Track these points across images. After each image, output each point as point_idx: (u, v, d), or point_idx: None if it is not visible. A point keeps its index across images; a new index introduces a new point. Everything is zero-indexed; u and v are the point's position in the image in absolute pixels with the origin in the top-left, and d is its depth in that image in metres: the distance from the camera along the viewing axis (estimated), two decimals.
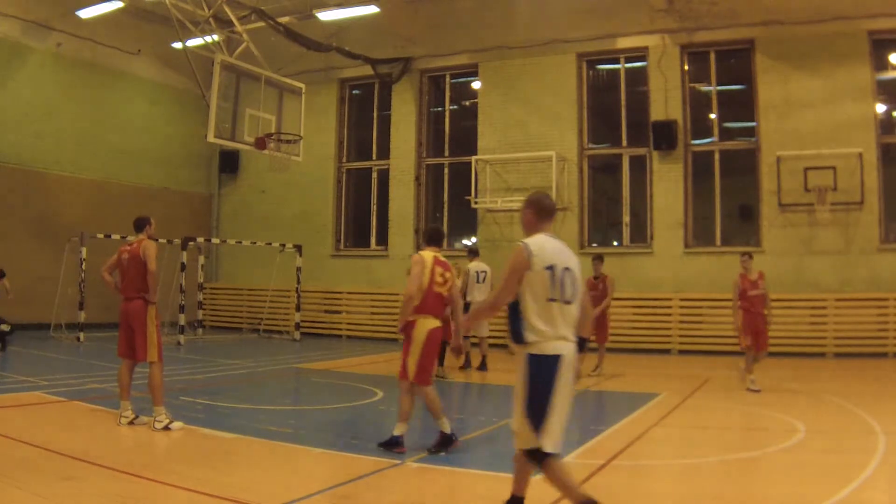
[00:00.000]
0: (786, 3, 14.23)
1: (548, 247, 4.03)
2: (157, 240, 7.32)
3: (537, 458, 3.89)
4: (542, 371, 3.88)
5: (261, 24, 14.89)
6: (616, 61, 16.49)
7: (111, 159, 17.90)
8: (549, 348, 3.90)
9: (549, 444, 3.85)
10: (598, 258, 11.31)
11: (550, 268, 3.95)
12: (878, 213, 13.87)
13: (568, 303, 4.00)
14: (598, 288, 10.97)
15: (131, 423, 6.77)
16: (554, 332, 3.92)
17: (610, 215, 17.10)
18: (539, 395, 3.87)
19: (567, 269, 4.03)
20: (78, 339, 14.22)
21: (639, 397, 9.14)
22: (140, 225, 7.10)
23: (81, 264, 14.49)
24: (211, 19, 13.64)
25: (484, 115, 17.18)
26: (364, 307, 17.85)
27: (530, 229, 4.19)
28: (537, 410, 3.86)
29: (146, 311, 6.83)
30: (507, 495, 4.21)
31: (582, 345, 4.11)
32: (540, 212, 4.21)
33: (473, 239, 17.57)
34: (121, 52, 17.73)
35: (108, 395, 8.24)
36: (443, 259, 6.36)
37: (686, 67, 15.66)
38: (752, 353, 9.61)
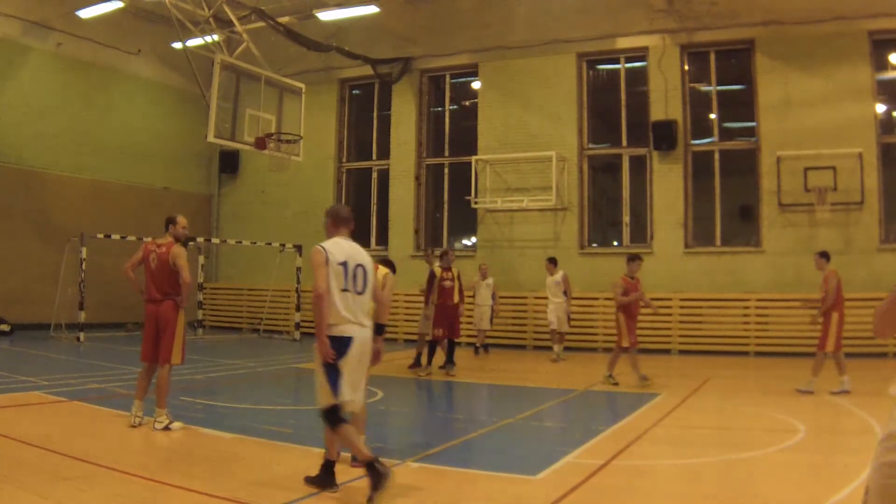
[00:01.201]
0: (786, 3, 14.24)
1: (340, 247, 4.87)
2: (184, 240, 7.23)
3: (333, 414, 4.72)
4: (336, 348, 4.70)
5: (261, 24, 14.89)
6: (616, 61, 16.49)
7: (111, 159, 17.89)
8: (341, 331, 4.73)
9: (344, 400, 4.72)
10: (638, 258, 10.49)
11: (343, 263, 4.78)
12: (878, 213, 13.88)
13: (360, 293, 4.84)
14: (639, 289, 10.33)
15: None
16: (346, 318, 4.73)
17: (610, 215, 17.10)
18: (334, 366, 4.71)
19: (359, 265, 4.88)
20: (78, 339, 14.20)
21: (639, 397, 9.14)
22: (166, 224, 7.04)
23: (81, 264, 14.45)
24: (211, 19, 13.63)
25: (484, 115, 17.18)
26: None
27: (329, 234, 5.02)
28: (333, 377, 4.71)
29: (177, 314, 6.85)
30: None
31: (380, 330, 5.07)
32: (336, 221, 5.06)
33: (473, 239, 17.59)
34: (121, 52, 17.74)
35: (108, 395, 8.25)
36: None
37: (686, 67, 15.67)
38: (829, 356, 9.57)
